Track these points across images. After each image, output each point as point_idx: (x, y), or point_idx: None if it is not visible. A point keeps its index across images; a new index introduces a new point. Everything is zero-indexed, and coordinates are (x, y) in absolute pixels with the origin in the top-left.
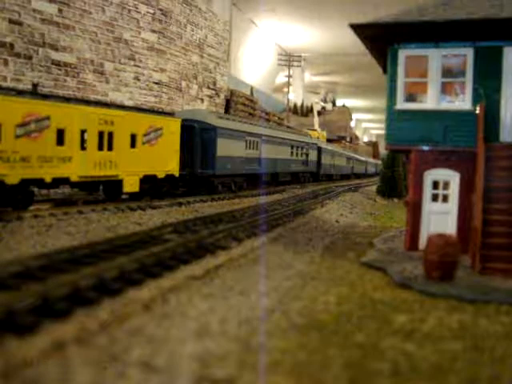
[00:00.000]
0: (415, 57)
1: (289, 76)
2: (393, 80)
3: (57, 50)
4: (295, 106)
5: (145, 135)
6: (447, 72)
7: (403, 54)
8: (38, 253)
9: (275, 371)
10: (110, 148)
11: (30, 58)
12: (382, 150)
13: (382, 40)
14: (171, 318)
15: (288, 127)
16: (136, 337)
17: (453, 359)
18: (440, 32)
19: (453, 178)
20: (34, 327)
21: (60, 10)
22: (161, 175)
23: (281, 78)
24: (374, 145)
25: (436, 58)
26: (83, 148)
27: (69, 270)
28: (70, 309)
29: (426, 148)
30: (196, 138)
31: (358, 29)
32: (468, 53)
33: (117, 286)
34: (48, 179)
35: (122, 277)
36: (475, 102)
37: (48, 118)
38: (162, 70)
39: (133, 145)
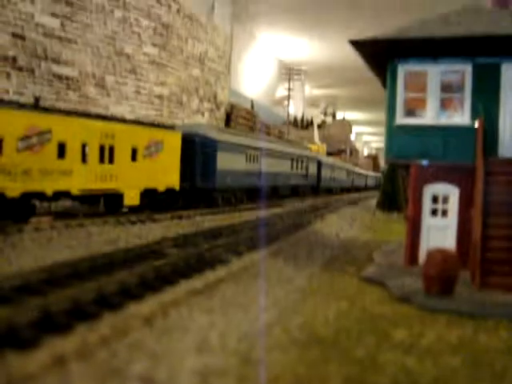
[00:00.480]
0: (414, 72)
1: (289, 89)
2: (392, 95)
3: (59, 63)
4: (295, 119)
5: (145, 149)
6: (446, 87)
7: (402, 69)
8: (38, 266)
9: None
10: (110, 161)
11: (33, 71)
12: (383, 164)
13: (381, 56)
14: (171, 333)
15: (288, 140)
16: (136, 351)
17: (452, 374)
18: (439, 48)
19: (452, 192)
20: (34, 341)
21: (62, 24)
22: (161, 188)
23: (281, 91)
24: (374, 158)
25: (435, 73)
26: (84, 161)
27: (70, 284)
28: (71, 323)
29: (425, 163)
30: (196, 151)
31: (357, 45)
32: (466, 69)
33: (117, 301)
34: (49, 192)
35: (122, 291)
36: (474, 117)
37: (49, 131)
38: (163, 84)
39: (133, 158)
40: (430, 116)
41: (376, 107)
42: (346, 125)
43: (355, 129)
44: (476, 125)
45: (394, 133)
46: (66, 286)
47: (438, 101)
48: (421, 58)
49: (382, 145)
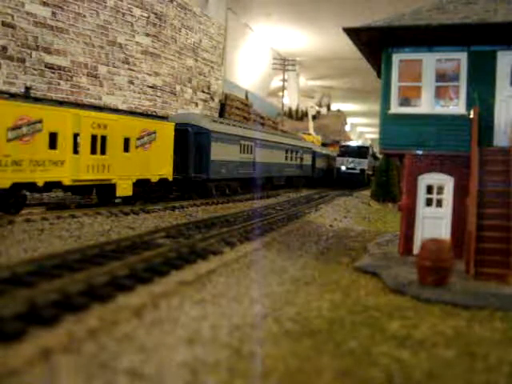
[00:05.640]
0: (409, 61)
1: (283, 80)
2: (387, 84)
3: (50, 53)
4: (290, 110)
5: (138, 139)
6: (441, 76)
7: (397, 58)
8: (28, 257)
9: (267, 379)
10: (103, 152)
11: (24, 61)
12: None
13: (376, 44)
14: (162, 325)
15: (283, 131)
16: (125, 344)
17: (447, 366)
18: (434, 36)
19: (447, 182)
20: (20, 334)
21: (54, 14)
22: (154, 179)
23: (276, 82)
24: None
25: (430, 62)
26: (76, 152)
27: (58, 275)
28: (59, 315)
29: (419, 152)
30: (190, 141)
31: (351, 33)
32: (462, 57)
33: (107, 292)
34: (40, 183)
35: (112, 282)
36: (469, 106)
37: (40, 121)
38: (157, 74)
39: (126, 149)
40: (424, 105)
41: (371, 98)
42: (341, 116)
43: (350, 120)
44: (471, 114)
45: (389, 122)
46: (54, 278)
47: (433, 90)
48: (416, 46)
49: (376, 136)
